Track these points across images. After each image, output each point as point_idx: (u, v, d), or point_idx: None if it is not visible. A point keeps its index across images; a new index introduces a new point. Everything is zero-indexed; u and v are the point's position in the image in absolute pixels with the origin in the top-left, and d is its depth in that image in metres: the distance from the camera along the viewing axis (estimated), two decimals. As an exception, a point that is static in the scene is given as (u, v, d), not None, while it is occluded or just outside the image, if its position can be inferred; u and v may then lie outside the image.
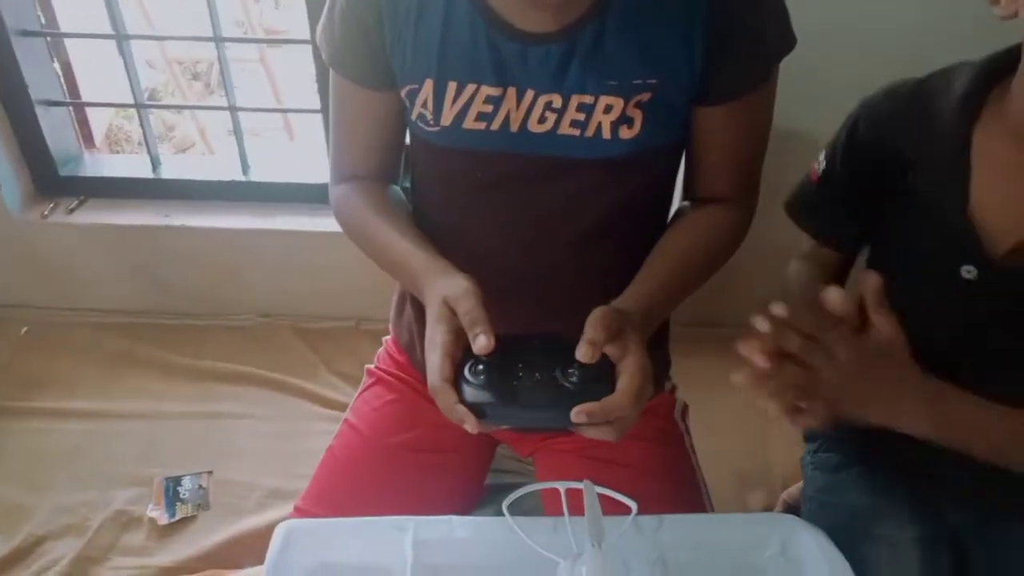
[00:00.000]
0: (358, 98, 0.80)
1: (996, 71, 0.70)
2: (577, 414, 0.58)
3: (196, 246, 1.63)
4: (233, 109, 1.59)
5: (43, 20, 1.59)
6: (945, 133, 0.72)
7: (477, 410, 0.59)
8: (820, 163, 0.83)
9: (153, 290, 1.70)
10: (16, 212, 1.60)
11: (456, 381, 0.60)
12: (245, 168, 1.67)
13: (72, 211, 1.62)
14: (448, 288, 0.66)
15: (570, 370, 0.59)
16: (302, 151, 3.15)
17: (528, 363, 0.61)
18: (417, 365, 0.92)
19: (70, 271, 1.68)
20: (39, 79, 1.55)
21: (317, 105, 1.57)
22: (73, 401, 1.52)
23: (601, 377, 0.60)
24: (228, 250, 1.63)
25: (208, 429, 1.48)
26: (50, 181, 1.64)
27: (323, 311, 1.71)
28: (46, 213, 1.61)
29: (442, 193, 0.83)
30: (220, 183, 1.65)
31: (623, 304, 0.69)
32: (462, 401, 0.59)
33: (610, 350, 0.61)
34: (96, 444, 1.44)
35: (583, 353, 0.59)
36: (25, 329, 1.67)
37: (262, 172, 1.68)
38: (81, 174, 1.66)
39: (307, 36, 1.49)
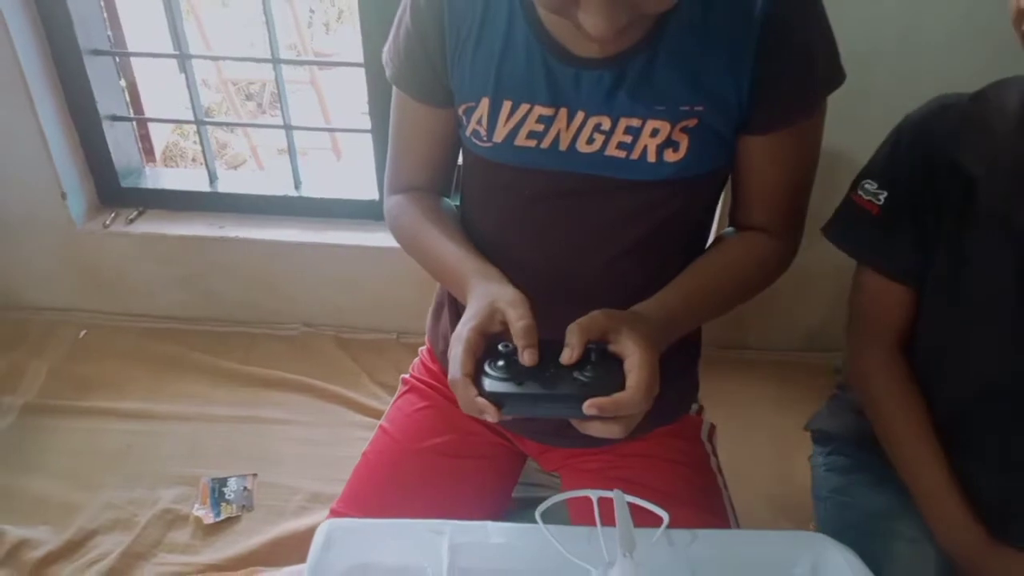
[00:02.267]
0: (418, 114, 0.84)
1: None
2: (589, 407, 0.60)
3: (246, 257, 1.69)
4: (288, 128, 1.66)
5: (112, 40, 1.67)
6: (1009, 147, 0.71)
7: (495, 399, 0.62)
8: (875, 193, 0.80)
9: (203, 298, 1.77)
10: (80, 221, 1.69)
11: (476, 376, 0.63)
12: (297, 183, 1.73)
13: (132, 221, 1.70)
14: (500, 293, 0.69)
15: (585, 368, 0.62)
16: (349, 170, 3.24)
17: (545, 360, 0.63)
18: (443, 366, 0.96)
19: (126, 278, 1.75)
20: (107, 95, 1.64)
21: (367, 125, 1.63)
22: (124, 402, 1.58)
23: (612, 374, 0.62)
24: (277, 262, 1.69)
25: (253, 433, 1.52)
26: (112, 192, 1.73)
27: (366, 323, 1.76)
28: (107, 223, 1.69)
29: (490, 207, 0.86)
30: (273, 197, 1.72)
31: (640, 307, 0.71)
32: (481, 393, 0.62)
33: (615, 348, 0.63)
34: (145, 444, 1.50)
35: (564, 356, 0.62)
36: (84, 332, 1.75)
37: (312, 188, 1.75)
38: (142, 186, 1.74)
39: (360, 59, 1.55)
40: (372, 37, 1.49)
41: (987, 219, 0.73)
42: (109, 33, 1.65)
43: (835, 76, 0.75)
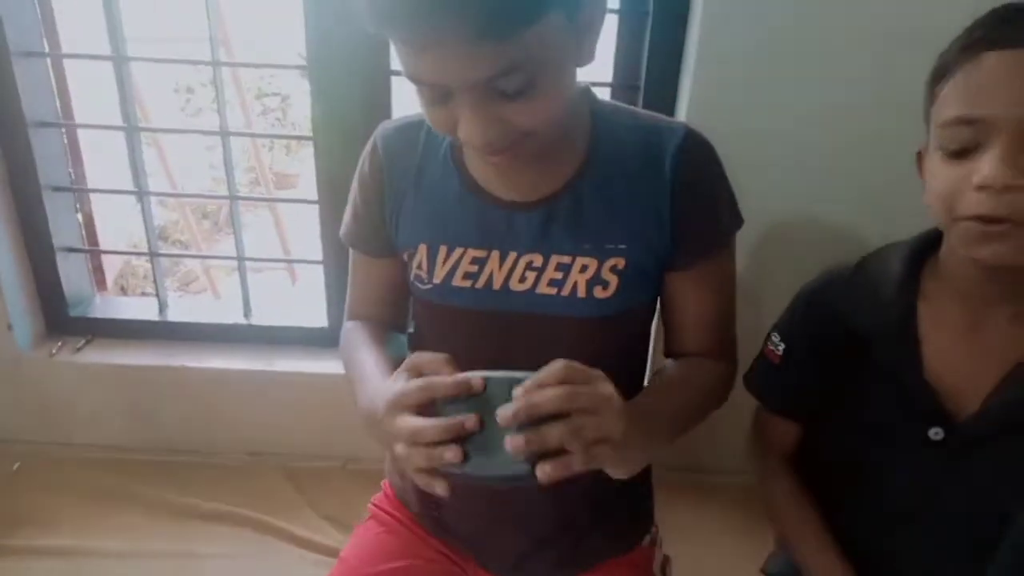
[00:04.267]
0: (369, 264, 0.94)
1: (926, 247, 0.79)
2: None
3: (194, 386, 1.69)
4: (241, 259, 1.71)
5: (72, 176, 1.73)
6: (891, 309, 0.79)
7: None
8: (777, 344, 0.90)
9: (147, 427, 1.75)
10: (25, 350, 1.68)
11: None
12: (247, 312, 1.77)
13: (79, 350, 1.69)
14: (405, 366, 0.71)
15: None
16: (301, 295, 3.28)
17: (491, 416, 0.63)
18: (410, 508, 0.99)
19: (68, 407, 1.73)
20: (63, 229, 1.68)
21: (319, 256, 1.70)
22: (54, 538, 1.52)
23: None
24: (225, 390, 1.70)
25: (189, 569, 1.47)
26: (60, 321, 1.73)
27: (313, 451, 1.75)
28: (53, 351, 1.68)
29: (437, 344, 0.91)
30: (222, 326, 1.75)
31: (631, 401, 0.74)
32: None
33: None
34: (73, 585, 1.43)
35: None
36: (17, 465, 1.70)
37: (263, 315, 1.78)
38: (91, 315, 1.75)
39: (314, 196, 1.63)
40: (325, 175, 1.57)
41: (880, 373, 0.81)
42: (70, 170, 1.71)
43: (736, 219, 0.87)
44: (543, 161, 0.80)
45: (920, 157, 0.78)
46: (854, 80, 1.33)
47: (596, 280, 0.80)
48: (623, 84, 1.49)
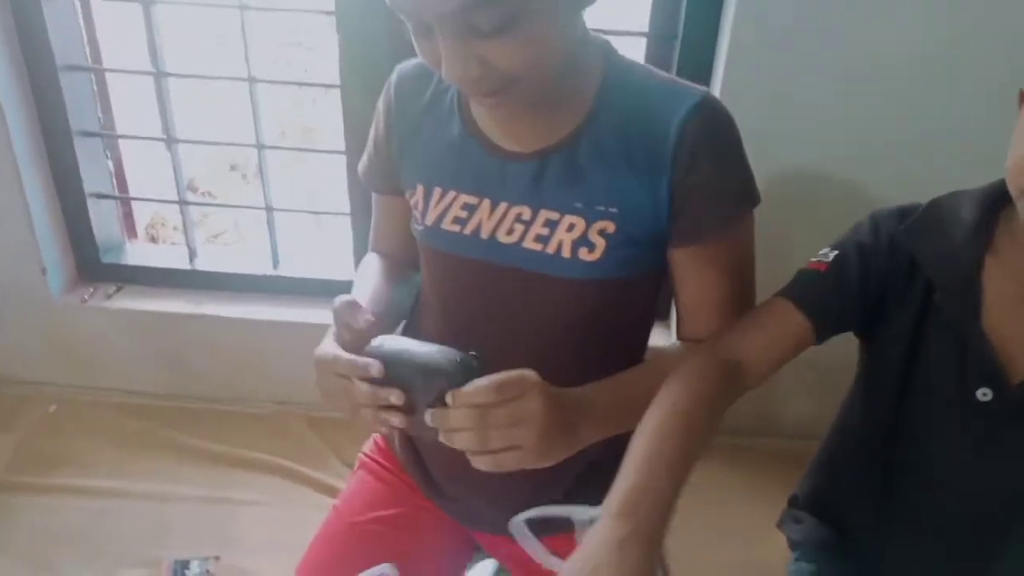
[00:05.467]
0: (384, 202, 0.97)
1: (1003, 197, 0.72)
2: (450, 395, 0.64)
3: (222, 335, 1.71)
4: (269, 209, 1.71)
5: (102, 121, 1.73)
6: (958, 255, 0.74)
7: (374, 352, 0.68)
8: (826, 255, 0.81)
9: (177, 375, 1.77)
10: (58, 295, 1.70)
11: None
12: (276, 262, 1.77)
13: (110, 297, 1.72)
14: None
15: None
16: (329, 245, 3.29)
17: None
18: (396, 452, 1.00)
19: (101, 353, 1.76)
20: (93, 174, 1.69)
21: (347, 208, 1.69)
22: (88, 479, 1.57)
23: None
24: (253, 340, 1.71)
25: (218, 514, 1.51)
26: (93, 268, 1.75)
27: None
28: (86, 298, 1.71)
29: (431, 288, 0.92)
30: (251, 276, 1.75)
31: (561, 391, 0.71)
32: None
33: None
34: (107, 524, 1.48)
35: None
36: (53, 407, 1.74)
37: (290, 266, 1.78)
38: (122, 262, 1.77)
39: (342, 143, 1.61)
40: (353, 123, 1.56)
41: (934, 319, 0.76)
42: (100, 115, 1.71)
43: (748, 198, 0.80)
44: (544, 111, 0.77)
45: (1022, 98, 0.71)
46: (901, 38, 1.27)
47: (582, 241, 0.77)
48: (660, 34, 1.44)
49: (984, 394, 0.73)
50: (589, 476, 0.87)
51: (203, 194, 4.28)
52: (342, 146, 1.61)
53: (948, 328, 0.75)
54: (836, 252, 0.80)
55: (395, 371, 0.67)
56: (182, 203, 1.74)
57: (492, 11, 0.63)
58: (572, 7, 0.71)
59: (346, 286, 1.73)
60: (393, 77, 0.90)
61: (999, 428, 0.74)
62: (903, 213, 0.80)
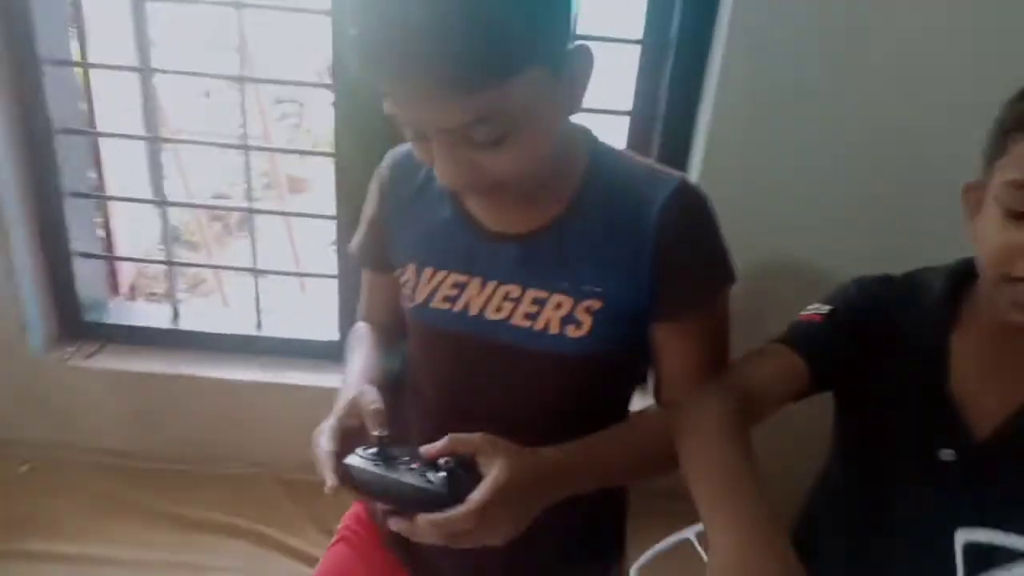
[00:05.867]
0: (374, 279, 1.01)
1: (969, 273, 0.78)
2: (420, 518, 0.66)
3: (202, 396, 1.70)
4: (256, 271, 1.72)
5: (93, 182, 1.75)
6: (929, 325, 0.80)
7: (347, 470, 0.70)
8: (819, 307, 0.86)
9: (155, 435, 1.75)
10: (38, 353, 1.69)
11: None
12: (259, 323, 1.78)
13: (91, 355, 1.71)
14: (358, 390, 0.77)
15: (440, 471, 0.67)
16: (312, 303, 3.29)
17: (413, 458, 0.69)
18: (375, 519, 1.00)
19: (77, 412, 1.74)
20: (81, 234, 1.70)
21: (334, 270, 1.71)
22: (58, 544, 1.53)
23: (459, 486, 0.67)
24: (232, 401, 1.71)
25: (190, 582, 1.48)
26: (75, 325, 1.75)
27: (313, 463, 1.75)
28: (67, 356, 1.70)
29: (421, 361, 0.94)
30: (233, 336, 1.76)
31: (533, 451, 0.73)
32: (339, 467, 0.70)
33: (483, 467, 0.68)
34: (76, 591, 1.44)
35: (423, 449, 0.69)
36: (26, 466, 1.71)
37: (274, 326, 1.79)
38: (104, 320, 1.77)
39: (331, 201, 1.64)
40: (345, 192, 1.59)
41: (902, 383, 0.81)
42: (92, 175, 1.73)
43: (725, 276, 0.85)
44: (531, 197, 0.81)
45: (969, 190, 0.77)
46: (878, 119, 1.33)
47: (569, 319, 0.80)
48: (643, 114, 1.50)
49: (948, 454, 0.77)
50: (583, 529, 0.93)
51: (185, 243, 4.29)
52: (328, 201, 1.63)
53: (917, 392, 0.80)
54: (829, 307, 0.86)
55: (369, 491, 0.70)
56: (169, 263, 1.75)
57: (491, 126, 0.67)
58: (559, 112, 0.75)
59: (329, 347, 1.73)
60: (386, 161, 0.94)
61: (961, 487, 0.77)
62: (884, 281, 0.86)
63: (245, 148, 1.63)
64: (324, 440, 0.72)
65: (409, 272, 0.88)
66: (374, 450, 0.70)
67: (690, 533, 0.68)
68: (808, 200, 1.41)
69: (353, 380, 0.86)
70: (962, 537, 0.65)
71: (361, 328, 1.01)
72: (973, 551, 0.67)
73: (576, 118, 0.80)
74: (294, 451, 1.77)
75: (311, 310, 2.78)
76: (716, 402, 0.77)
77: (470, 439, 0.70)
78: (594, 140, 0.86)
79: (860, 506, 0.87)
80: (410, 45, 0.60)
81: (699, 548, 0.66)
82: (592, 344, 0.81)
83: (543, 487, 0.72)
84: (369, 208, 0.95)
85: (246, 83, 1.58)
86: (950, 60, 1.29)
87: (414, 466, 0.68)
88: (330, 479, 0.69)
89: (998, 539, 0.64)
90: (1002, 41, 1.25)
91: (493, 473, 0.67)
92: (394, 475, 0.68)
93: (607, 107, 1.49)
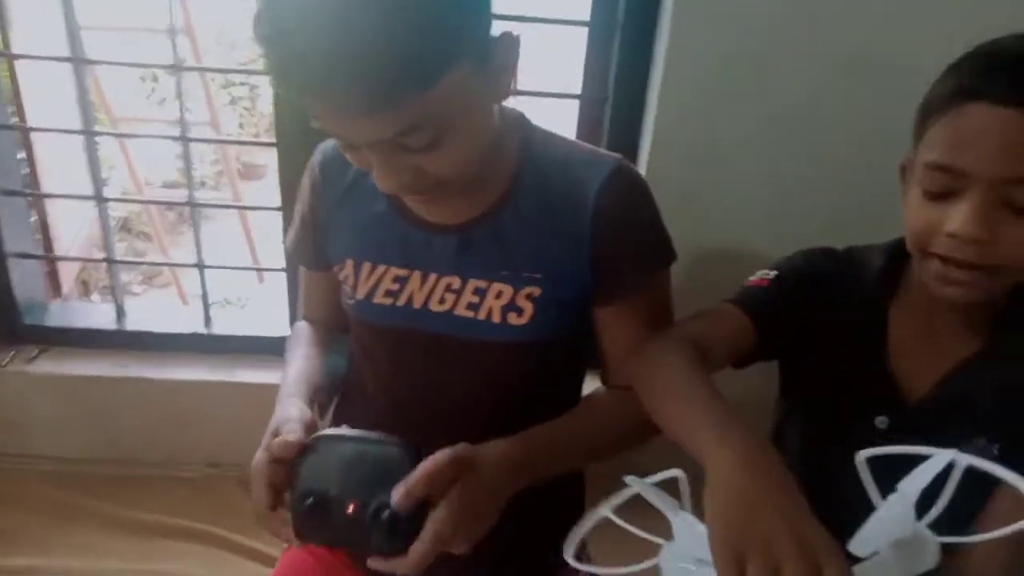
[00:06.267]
0: (312, 276, 0.98)
1: (905, 251, 0.79)
2: (374, 560, 0.67)
3: (152, 397, 1.66)
4: (202, 267, 1.67)
5: (26, 173, 1.68)
6: (867, 298, 0.83)
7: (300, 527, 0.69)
8: (767, 273, 0.89)
9: (105, 439, 1.71)
10: (-25, 360, 1.63)
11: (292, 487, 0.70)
12: (208, 321, 1.73)
13: (32, 360, 1.65)
14: (283, 415, 0.76)
15: (389, 506, 0.66)
16: (263, 303, 3.23)
17: (356, 487, 0.68)
18: None
19: (24, 419, 1.68)
20: (15, 234, 1.63)
21: (283, 263, 1.67)
22: (13, 557, 1.48)
23: (412, 520, 0.66)
24: (184, 401, 1.66)
25: (147, 590, 1.45)
26: (13, 330, 1.68)
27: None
28: (5, 362, 1.63)
29: (365, 359, 0.93)
30: (181, 335, 1.71)
31: (486, 451, 0.73)
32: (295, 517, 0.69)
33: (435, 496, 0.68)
34: (29, 604, 1.40)
35: (397, 503, 0.66)
36: (-29, 479, 1.66)
37: (224, 322, 1.75)
38: (45, 323, 1.70)
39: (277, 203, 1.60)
40: (289, 180, 1.54)
41: (842, 352, 0.84)
42: (24, 171, 1.66)
43: (664, 256, 0.85)
44: (466, 187, 0.79)
45: (904, 170, 0.79)
46: (827, 102, 1.33)
47: (511, 307, 0.80)
48: (592, 97, 1.48)
49: (882, 422, 0.81)
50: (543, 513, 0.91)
51: (139, 235, 4.18)
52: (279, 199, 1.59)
53: (855, 361, 0.83)
54: (776, 272, 0.88)
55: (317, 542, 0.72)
56: (110, 261, 1.69)
57: (422, 133, 0.65)
58: (491, 101, 0.73)
59: (278, 343, 1.69)
60: (317, 156, 0.91)
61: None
62: (827, 253, 0.89)
63: (184, 140, 1.57)
64: (258, 487, 0.71)
65: (348, 268, 0.87)
66: (310, 501, 0.68)
67: (606, 510, 0.69)
68: (757, 181, 1.41)
69: (289, 389, 0.85)
70: (862, 456, 0.68)
71: (301, 328, 1.00)
72: (880, 471, 0.69)
73: (527, 102, 0.79)
74: (251, 451, 1.73)
75: (268, 301, 2.73)
76: (673, 344, 0.78)
77: (432, 480, 0.67)
78: (528, 125, 0.85)
79: (805, 472, 0.90)
80: (325, 64, 0.58)
81: (619, 521, 0.68)
82: (535, 331, 0.81)
83: (499, 489, 0.72)
84: (302, 204, 0.93)
85: (190, 54, 1.52)
86: (902, 47, 1.29)
87: (350, 509, 0.67)
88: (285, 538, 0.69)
89: (893, 450, 0.67)
90: (953, 29, 1.25)
91: (437, 516, 0.67)
92: (330, 533, 0.67)
93: (558, 90, 1.47)
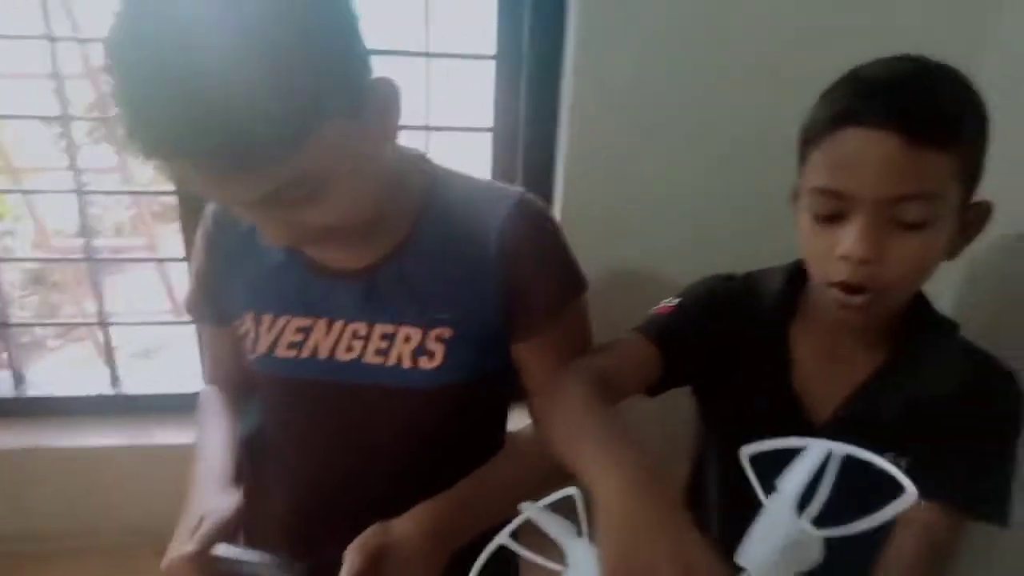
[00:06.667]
0: (212, 333, 0.94)
1: (804, 273, 0.82)
2: None
3: (62, 467, 1.55)
4: (104, 324, 1.58)
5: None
6: (769, 321, 0.84)
7: None
8: (670, 301, 0.90)
9: (11, 515, 1.58)
10: None
11: None
12: (115, 381, 1.63)
13: (-81, 438, 1.52)
14: (204, 506, 0.74)
15: None
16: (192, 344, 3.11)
17: None
18: None
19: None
20: None
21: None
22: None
23: None
24: (95, 469, 1.56)
25: None
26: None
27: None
28: None
29: (272, 418, 0.89)
30: (87, 399, 1.61)
31: (402, 525, 0.72)
32: None
33: None
34: None
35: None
36: None
37: (136, 382, 1.65)
38: (-67, 396, 1.58)
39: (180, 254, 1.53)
40: (192, 232, 1.47)
41: (748, 377, 0.86)
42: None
43: (575, 286, 0.84)
44: (367, 231, 0.77)
45: (794, 197, 0.80)
46: (731, 124, 1.35)
47: (421, 350, 0.78)
48: (504, 131, 1.46)
49: None
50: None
51: (53, 285, 3.99)
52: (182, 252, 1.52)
53: (761, 383, 0.85)
54: (679, 299, 0.89)
55: None
56: (2, 325, 1.58)
57: (297, 189, 0.62)
58: (377, 149, 0.70)
59: (191, 400, 1.62)
60: (209, 208, 0.87)
61: None
62: (728, 279, 0.91)
63: (79, 192, 1.49)
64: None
65: (247, 322, 0.83)
66: None
67: (503, 537, 0.68)
68: (672, 205, 1.41)
69: (207, 468, 0.80)
70: (745, 453, 0.69)
71: (208, 396, 0.95)
72: (762, 467, 0.69)
73: (438, 137, 0.78)
74: (169, 517, 1.63)
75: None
76: (572, 377, 0.78)
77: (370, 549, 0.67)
78: (427, 162, 0.83)
79: (725, 495, 0.92)
80: (172, 132, 0.54)
81: (516, 547, 0.67)
82: (448, 373, 0.78)
83: (425, 564, 0.71)
84: (196, 258, 0.89)
85: (70, 121, 1.44)
86: (811, 64, 1.30)
87: None
88: None
89: (776, 444, 0.68)
90: (861, 43, 1.28)
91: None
92: None
93: (471, 125, 1.45)
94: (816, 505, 0.62)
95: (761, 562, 0.59)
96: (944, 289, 0.79)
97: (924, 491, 0.61)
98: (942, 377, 0.78)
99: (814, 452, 0.63)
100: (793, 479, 0.63)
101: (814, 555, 0.61)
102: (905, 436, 0.79)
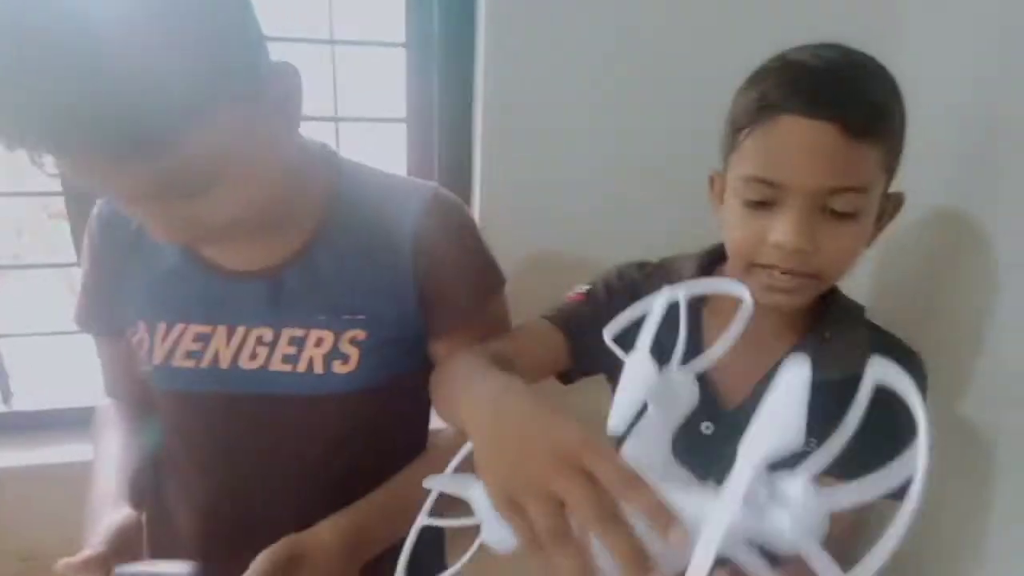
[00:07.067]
0: (105, 344, 0.88)
1: (716, 258, 0.83)
2: None
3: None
4: (-11, 337, 1.46)
5: None
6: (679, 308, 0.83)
7: None
8: (580, 288, 0.90)
9: None
10: None
11: None
12: (6, 397, 1.51)
13: None
14: (101, 526, 0.69)
15: None
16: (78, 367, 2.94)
17: None
18: None
19: None
20: None
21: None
22: None
23: None
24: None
25: None
26: None
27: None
28: None
29: (173, 433, 0.82)
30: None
31: (315, 536, 0.68)
32: None
33: None
34: None
35: None
36: None
37: (27, 397, 1.54)
38: None
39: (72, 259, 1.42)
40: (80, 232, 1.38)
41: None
42: None
43: (493, 281, 0.83)
44: (270, 228, 0.72)
45: (713, 181, 0.80)
46: (648, 106, 1.34)
47: (334, 354, 0.74)
48: (419, 120, 1.42)
49: (707, 427, 0.82)
50: None
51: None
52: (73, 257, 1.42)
53: None
54: (588, 287, 0.89)
55: None
56: None
57: (185, 179, 0.57)
58: (277, 138, 0.65)
59: (89, 413, 1.52)
60: (94, 210, 0.81)
61: (719, 453, 0.81)
62: (640, 265, 0.91)
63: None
64: None
65: (140, 331, 0.77)
66: None
67: (422, 518, 0.65)
68: (593, 191, 1.40)
69: (106, 487, 0.75)
70: (607, 332, 0.69)
71: (106, 412, 0.88)
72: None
73: (350, 128, 0.74)
74: (68, 540, 1.52)
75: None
76: (465, 353, 0.76)
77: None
78: (335, 156, 0.79)
79: None
80: (47, 123, 0.49)
81: (433, 521, 0.64)
82: (364, 377, 0.74)
83: (349, 564, 0.68)
84: (84, 266, 0.82)
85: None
86: (713, 60, 1.31)
87: None
88: None
89: (627, 315, 0.69)
90: (760, 39, 1.30)
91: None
92: None
93: (383, 115, 1.40)
94: (679, 348, 0.64)
95: (627, 417, 0.57)
96: (856, 275, 0.80)
97: (833, 470, 0.60)
98: (849, 359, 0.79)
99: (656, 304, 0.63)
100: (643, 336, 0.62)
101: (686, 396, 0.61)
102: (814, 419, 0.80)
